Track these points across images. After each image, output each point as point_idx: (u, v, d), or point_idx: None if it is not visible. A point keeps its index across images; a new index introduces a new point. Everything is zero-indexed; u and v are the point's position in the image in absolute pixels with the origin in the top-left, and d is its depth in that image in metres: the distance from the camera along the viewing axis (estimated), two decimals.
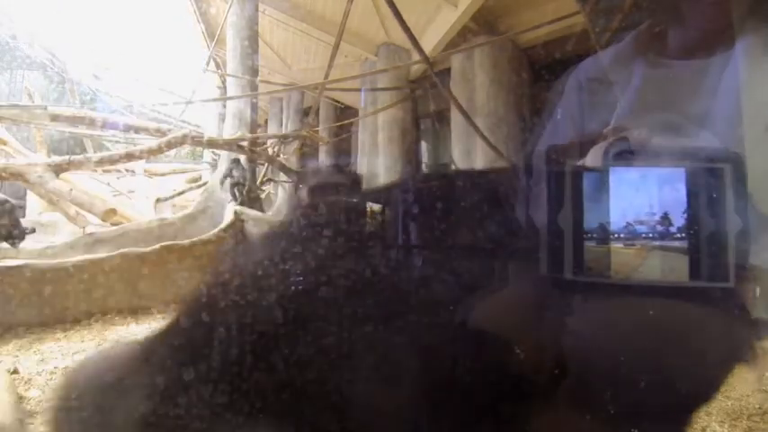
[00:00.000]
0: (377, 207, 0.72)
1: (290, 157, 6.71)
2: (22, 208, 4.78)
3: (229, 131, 5.13)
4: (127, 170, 7.55)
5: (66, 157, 5.00)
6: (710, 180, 0.65)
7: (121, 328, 2.70)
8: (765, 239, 0.68)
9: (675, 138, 0.78)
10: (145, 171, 7.88)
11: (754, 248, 0.65)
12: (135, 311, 2.95)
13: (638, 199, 0.70)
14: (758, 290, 0.72)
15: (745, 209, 0.64)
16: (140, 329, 2.68)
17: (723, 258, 0.65)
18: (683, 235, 0.67)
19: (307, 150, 7.82)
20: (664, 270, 0.69)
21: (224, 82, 6.95)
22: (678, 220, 0.67)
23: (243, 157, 4.84)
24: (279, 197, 6.76)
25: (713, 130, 0.75)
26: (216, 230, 3.59)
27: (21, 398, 1.81)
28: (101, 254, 3.08)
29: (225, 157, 5.14)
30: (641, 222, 0.70)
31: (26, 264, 2.72)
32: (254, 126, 5.32)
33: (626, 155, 0.71)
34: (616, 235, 0.71)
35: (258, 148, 5.20)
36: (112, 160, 5.15)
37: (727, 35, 0.76)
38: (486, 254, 0.85)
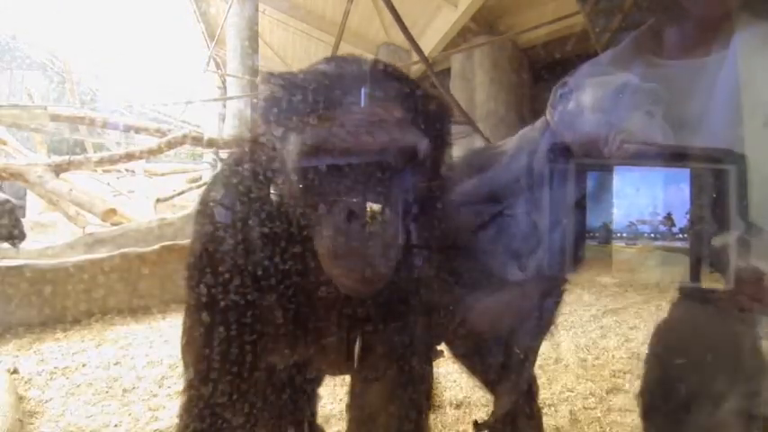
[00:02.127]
0: (377, 207, 0.70)
1: None
2: (23, 208, 4.78)
3: (229, 131, 5.13)
4: (127, 170, 7.55)
5: (66, 157, 5.00)
6: (715, 182, 0.65)
7: (121, 327, 2.70)
8: (765, 237, 0.68)
9: (680, 138, 0.78)
10: (145, 171, 7.87)
11: (753, 247, 0.65)
12: (135, 311, 2.94)
13: (642, 199, 0.70)
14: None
15: (747, 211, 0.64)
16: (140, 329, 2.68)
17: (724, 260, 0.65)
18: (685, 236, 0.67)
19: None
20: (665, 270, 0.69)
21: (224, 82, 6.95)
22: (680, 221, 0.67)
23: None
24: None
25: (712, 129, 0.76)
26: None
27: (21, 398, 1.82)
28: (101, 254, 3.08)
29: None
30: (644, 222, 0.70)
31: (26, 264, 2.72)
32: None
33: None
34: (619, 234, 0.71)
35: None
36: (112, 160, 5.16)
37: (723, 34, 0.76)
38: None
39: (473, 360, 1.18)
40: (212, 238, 0.75)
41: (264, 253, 0.72)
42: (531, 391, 1.25)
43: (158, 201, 6.47)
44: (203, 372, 0.78)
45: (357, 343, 0.81)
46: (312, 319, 0.79)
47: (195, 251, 0.77)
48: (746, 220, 0.64)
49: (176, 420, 0.84)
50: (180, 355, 0.90)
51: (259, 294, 0.74)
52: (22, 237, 4.14)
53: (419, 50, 2.21)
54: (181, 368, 2.05)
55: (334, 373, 1.01)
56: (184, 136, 4.93)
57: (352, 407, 0.98)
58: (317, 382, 1.22)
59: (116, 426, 1.64)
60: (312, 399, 1.22)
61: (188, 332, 0.83)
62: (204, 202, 0.81)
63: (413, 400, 0.89)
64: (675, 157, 0.70)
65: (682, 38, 0.85)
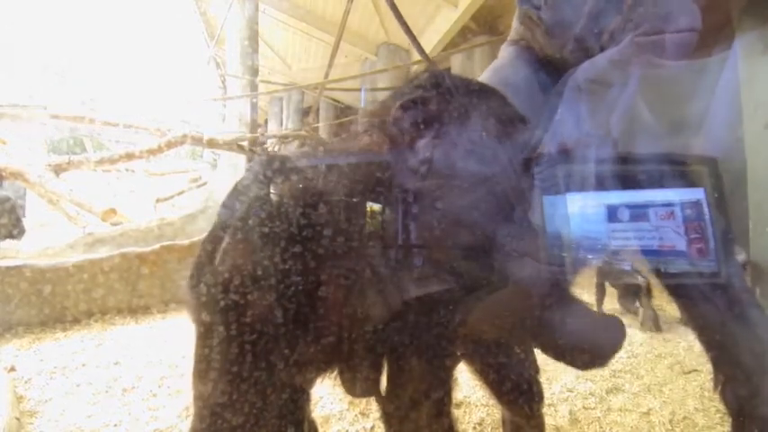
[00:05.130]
0: (377, 207, 0.69)
1: None
2: (23, 207, 4.79)
3: (229, 131, 5.13)
4: (127, 170, 7.55)
5: (66, 156, 5.00)
6: (691, 184, 0.67)
7: (121, 327, 2.70)
8: (766, 237, 0.68)
9: (681, 139, 0.79)
10: (144, 171, 7.88)
11: (753, 245, 0.66)
12: (135, 311, 2.95)
13: (627, 203, 0.70)
14: (758, 289, 0.72)
15: (725, 208, 0.65)
16: (140, 328, 2.68)
17: (712, 254, 0.65)
18: (674, 235, 0.68)
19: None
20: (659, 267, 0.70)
21: (224, 82, 6.96)
22: (666, 222, 0.68)
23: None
24: None
25: (712, 130, 0.76)
26: None
27: (21, 397, 1.82)
28: (100, 254, 3.08)
29: (225, 157, 5.14)
30: (632, 223, 0.70)
31: (26, 263, 2.72)
32: (254, 126, 5.32)
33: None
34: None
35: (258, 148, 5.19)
36: (112, 160, 5.16)
37: (723, 35, 0.76)
38: None
39: (480, 362, 1.17)
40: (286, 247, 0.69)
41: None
42: (533, 393, 1.24)
43: (158, 200, 6.47)
44: (226, 400, 0.74)
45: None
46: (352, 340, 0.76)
47: (251, 266, 0.69)
48: (726, 216, 0.65)
49: None
50: (191, 385, 0.84)
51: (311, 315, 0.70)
52: (22, 234, 4.18)
53: (420, 48, 2.21)
54: (181, 368, 2.06)
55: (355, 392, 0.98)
56: (184, 135, 4.93)
57: (384, 407, 0.96)
58: (314, 381, 1.21)
59: (116, 425, 1.64)
60: (308, 398, 1.21)
61: (206, 359, 0.77)
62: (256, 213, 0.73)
63: (437, 402, 0.87)
64: (649, 164, 0.70)
65: (682, 39, 0.85)
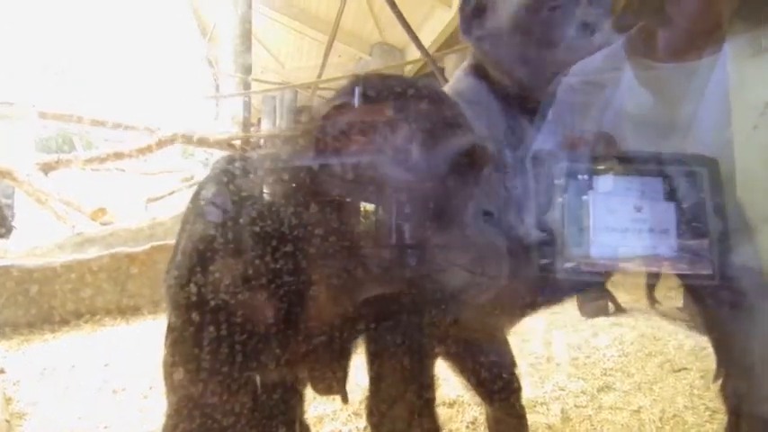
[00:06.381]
0: (370, 207, 0.70)
1: None
2: (10, 207, 4.71)
3: (221, 130, 5.10)
4: (117, 169, 7.46)
5: (55, 155, 4.94)
6: (689, 184, 0.67)
7: (111, 328, 2.67)
8: (755, 238, 0.69)
9: (672, 140, 0.80)
10: (135, 170, 7.78)
11: (744, 247, 0.67)
12: (124, 312, 2.91)
13: (622, 203, 0.71)
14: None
15: (723, 210, 0.66)
16: (130, 329, 2.65)
17: (707, 257, 0.66)
18: (669, 236, 0.69)
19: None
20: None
21: (216, 80, 6.91)
22: (662, 223, 0.69)
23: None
24: None
25: (702, 131, 0.77)
26: None
27: (9, 399, 1.79)
28: (90, 254, 3.04)
29: (217, 156, 5.11)
30: (627, 223, 0.71)
31: (13, 263, 2.68)
32: (246, 125, 5.29)
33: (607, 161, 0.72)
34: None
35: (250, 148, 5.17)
36: (102, 159, 5.10)
37: (716, 37, 0.77)
38: None
39: (460, 359, 1.17)
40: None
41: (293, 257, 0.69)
42: (512, 388, 1.25)
43: (149, 200, 6.41)
44: (199, 394, 0.75)
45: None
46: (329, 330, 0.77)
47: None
48: (724, 219, 0.66)
49: None
50: (162, 377, 0.85)
51: (279, 303, 0.71)
52: (9, 233, 4.14)
53: (419, 44, 2.21)
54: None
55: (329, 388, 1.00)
56: (175, 134, 4.88)
57: (369, 405, 0.97)
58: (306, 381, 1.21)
59: (106, 427, 1.62)
60: (301, 397, 1.21)
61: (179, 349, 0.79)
62: (203, 200, 0.77)
63: (420, 398, 0.88)
64: (648, 163, 0.71)
65: (673, 41, 0.87)
